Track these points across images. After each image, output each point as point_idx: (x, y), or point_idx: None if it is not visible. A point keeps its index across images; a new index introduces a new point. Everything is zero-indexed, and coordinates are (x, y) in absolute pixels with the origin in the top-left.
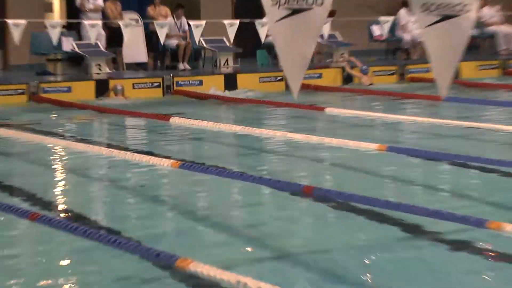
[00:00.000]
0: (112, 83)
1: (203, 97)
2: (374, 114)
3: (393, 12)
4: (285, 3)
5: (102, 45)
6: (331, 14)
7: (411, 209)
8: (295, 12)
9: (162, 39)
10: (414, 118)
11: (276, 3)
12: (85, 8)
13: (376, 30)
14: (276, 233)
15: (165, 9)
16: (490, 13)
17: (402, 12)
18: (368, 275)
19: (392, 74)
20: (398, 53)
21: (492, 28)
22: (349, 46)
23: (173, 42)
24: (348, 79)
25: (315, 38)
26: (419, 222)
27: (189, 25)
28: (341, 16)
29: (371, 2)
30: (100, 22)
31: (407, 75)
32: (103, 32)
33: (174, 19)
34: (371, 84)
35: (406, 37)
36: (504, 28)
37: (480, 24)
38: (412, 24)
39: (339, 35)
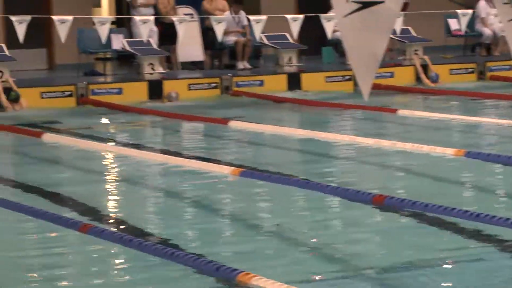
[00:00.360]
0: (166, 85)
1: (264, 98)
2: (451, 116)
3: (472, 4)
4: None
5: (154, 42)
6: (404, 7)
7: (492, 220)
8: (365, 5)
9: (219, 35)
10: (495, 121)
11: None
12: (136, 3)
13: (454, 24)
14: (344, 246)
15: (222, 3)
16: None
17: (482, 4)
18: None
19: (471, 72)
20: (478, 49)
21: None
22: (424, 42)
23: (231, 38)
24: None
25: (387, 34)
26: (500, 234)
27: (248, 20)
28: (415, 8)
29: None
30: (152, 18)
31: (488, 73)
32: (155, 29)
33: (232, 14)
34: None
35: (487, 31)
36: None
37: None
38: (494, 18)
39: (412, 30)
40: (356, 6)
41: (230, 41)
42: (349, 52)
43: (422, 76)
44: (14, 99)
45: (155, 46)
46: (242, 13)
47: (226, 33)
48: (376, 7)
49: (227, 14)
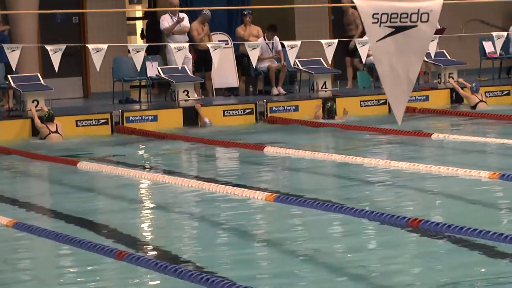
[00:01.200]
0: (201, 110)
1: (299, 124)
2: (486, 139)
3: (507, 26)
4: (386, 21)
5: (189, 69)
6: (440, 32)
7: None
8: (398, 30)
9: (254, 61)
10: None
11: (377, 21)
12: (171, 31)
13: (488, 47)
14: (380, 271)
15: (256, 29)
16: None
17: None
18: None
19: (507, 94)
20: None
21: None
22: (459, 64)
23: (266, 64)
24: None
25: (421, 58)
26: None
27: (282, 45)
28: (450, 31)
29: (484, 16)
30: (186, 45)
31: None
32: (190, 56)
33: (265, 40)
34: (481, 102)
35: None
36: None
37: None
38: None
39: (447, 53)
40: (390, 30)
41: (264, 67)
42: (382, 76)
43: (460, 91)
44: (48, 118)
45: (189, 73)
46: (276, 39)
47: (260, 59)
48: (409, 31)
49: (261, 40)
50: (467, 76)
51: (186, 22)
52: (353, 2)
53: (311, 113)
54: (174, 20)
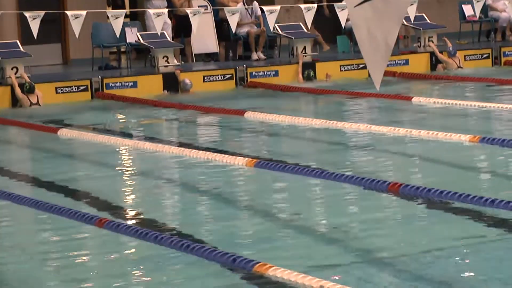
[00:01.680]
0: (181, 76)
1: (279, 89)
2: (466, 102)
3: None
4: None
5: (168, 35)
6: None
7: (508, 205)
8: None
9: (233, 27)
10: (510, 106)
11: None
12: None
13: (468, 10)
14: (361, 235)
15: None
16: None
17: None
18: (463, 276)
19: (486, 58)
20: (492, 34)
21: None
22: (438, 28)
23: (245, 30)
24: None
25: (399, 23)
26: None
27: (262, 10)
28: None
29: None
30: (165, 11)
31: (503, 58)
32: (169, 21)
33: (245, 5)
34: (459, 68)
35: (503, 15)
36: None
37: None
38: (507, 3)
39: (426, 17)
40: None
41: (244, 32)
42: (360, 42)
43: (439, 55)
44: (28, 90)
45: (169, 39)
46: (255, 4)
47: (240, 24)
48: None
49: (240, 5)
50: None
51: None
52: None
53: (292, 78)
54: None
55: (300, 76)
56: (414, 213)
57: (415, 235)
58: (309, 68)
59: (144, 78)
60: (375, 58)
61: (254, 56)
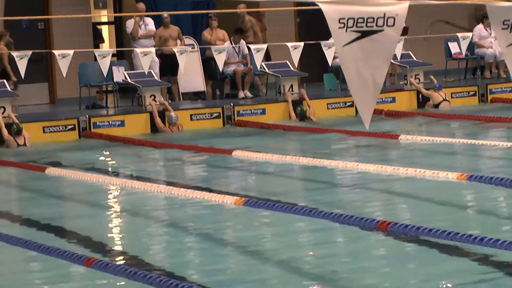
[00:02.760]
0: (166, 113)
1: (266, 127)
2: (453, 140)
3: (473, 27)
4: (352, 26)
5: (156, 73)
6: (404, 31)
7: (496, 243)
8: (364, 35)
9: (220, 65)
10: (497, 143)
11: (343, 26)
12: (137, 35)
13: (454, 48)
14: (349, 273)
15: (222, 33)
16: None
17: (478, 27)
18: None
19: (473, 95)
20: (478, 72)
21: None
22: (425, 65)
23: (232, 68)
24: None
25: (387, 62)
26: (506, 258)
27: (249, 49)
28: (415, 33)
29: (449, 17)
30: (153, 49)
31: (490, 95)
32: (156, 60)
33: (232, 44)
34: (445, 100)
35: (488, 51)
36: None
37: None
38: (492, 41)
39: (413, 55)
40: (356, 35)
41: (231, 71)
42: (349, 81)
43: (423, 90)
44: (16, 132)
45: (156, 77)
46: (243, 43)
47: (227, 63)
48: (376, 36)
49: (227, 44)
50: (434, 76)
51: (152, 27)
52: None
53: (280, 116)
54: (140, 25)
55: (293, 114)
56: (403, 252)
57: (404, 273)
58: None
59: (132, 116)
60: (364, 97)
61: (241, 94)
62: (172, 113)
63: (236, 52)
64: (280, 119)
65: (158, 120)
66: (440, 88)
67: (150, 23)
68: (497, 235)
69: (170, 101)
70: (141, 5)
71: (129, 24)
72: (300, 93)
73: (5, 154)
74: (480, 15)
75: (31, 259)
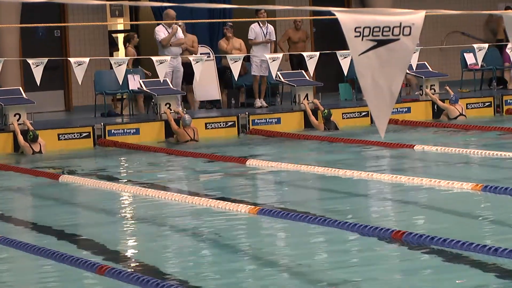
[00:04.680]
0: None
1: (282, 136)
2: (468, 150)
3: (489, 38)
4: (369, 35)
5: (178, 83)
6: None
7: (511, 254)
8: (380, 43)
9: (236, 74)
10: None
11: (359, 35)
12: (168, 42)
13: (470, 58)
14: (364, 283)
15: (239, 42)
16: None
17: None
18: None
19: (488, 106)
20: (494, 83)
21: None
22: (440, 76)
23: (259, 48)
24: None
25: (403, 71)
26: None
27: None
28: (431, 43)
29: (465, 28)
30: (169, 58)
31: (505, 107)
32: (181, 69)
33: (259, 24)
34: (462, 115)
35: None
36: None
37: None
38: (506, 52)
39: (428, 65)
40: (372, 44)
41: (259, 54)
42: (365, 90)
43: (439, 102)
44: (32, 139)
45: (172, 86)
46: (269, 25)
47: (254, 43)
48: (392, 45)
49: (243, 53)
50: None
51: (180, 34)
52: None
53: (294, 125)
54: (169, 32)
55: (314, 120)
56: (417, 261)
57: (418, 283)
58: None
59: (146, 125)
60: (380, 106)
61: (257, 103)
62: (186, 115)
63: (263, 33)
64: (295, 128)
65: (173, 123)
66: (457, 101)
67: (179, 31)
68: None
69: (185, 109)
70: (172, 12)
71: (159, 31)
72: (313, 102)
73: (21, 160)
74: (492, 27)
75: (44, 266)
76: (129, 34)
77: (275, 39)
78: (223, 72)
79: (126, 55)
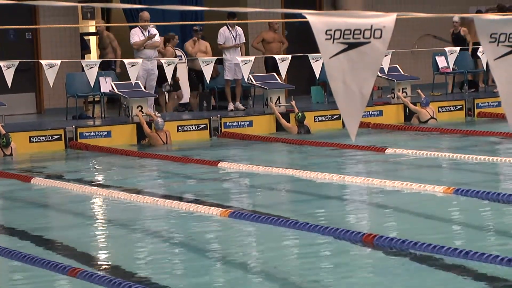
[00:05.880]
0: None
1: (253, 139)
2: (440, 153)
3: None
4: (339, 37)
5: (152, 85)
6: None
7: (482, 257)
8: (351, 46)
9: (208, 77)
10: (483, 157)
11: (330, 38)
12: (142, 45)
13: (441, 62)
14: (334, 286)
15: (205, 44)
16: None
17: None
18: None
19: (460, 109)
20: (465, 86)
21: None
22: (412, 79)
23: (230, 52)
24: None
25: (374, 74)
26: (491, 272)
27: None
28: (403, 47)
29: (436, 31)
30: (140, 61)
31: (476, 110)
32: (156, 72)
33: (229, 28)
34: (433, 118)
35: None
36: None
37: None
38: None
39: (400, 68)
40: (343, 46)
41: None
42: (335, 93)
43: (410, 106)
44: (5, 145)
45: (143, 88)
46: (238, 28)
47: (223, 47)
48: (362, 47)
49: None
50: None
51: (157, 38)
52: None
53: (266, 129)
54: (145, 35)
55: (285, 122)
56: (389, 265)
57: (389, 286)
58: (283, 117)
59: (118, 127)
60: (351, 109)
61: (230, 106)
62: (159, 119)
63: (233, 36)
64: (267, 131)
65: (145, 126)
66: (428, 104)
67: (156, 33)
68: (483, 249)
69: (157, 112)
70: (146, 14)
71: (134, 34)
72: (290, 105)
73: None
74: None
75: (15, 269)
76: (169, 35)
77: (244, 41)
78: (189, 74)
79: (165, 56)
